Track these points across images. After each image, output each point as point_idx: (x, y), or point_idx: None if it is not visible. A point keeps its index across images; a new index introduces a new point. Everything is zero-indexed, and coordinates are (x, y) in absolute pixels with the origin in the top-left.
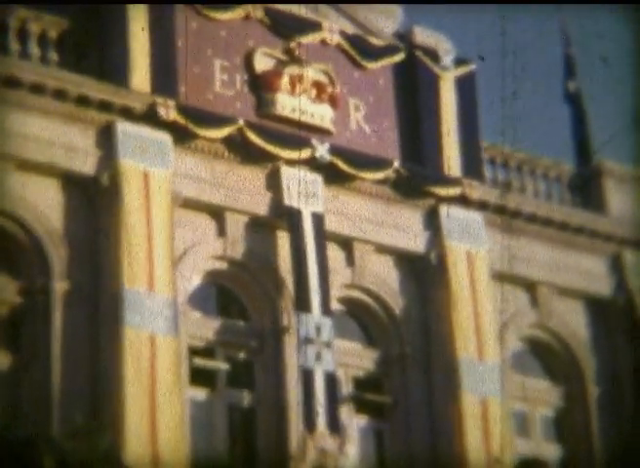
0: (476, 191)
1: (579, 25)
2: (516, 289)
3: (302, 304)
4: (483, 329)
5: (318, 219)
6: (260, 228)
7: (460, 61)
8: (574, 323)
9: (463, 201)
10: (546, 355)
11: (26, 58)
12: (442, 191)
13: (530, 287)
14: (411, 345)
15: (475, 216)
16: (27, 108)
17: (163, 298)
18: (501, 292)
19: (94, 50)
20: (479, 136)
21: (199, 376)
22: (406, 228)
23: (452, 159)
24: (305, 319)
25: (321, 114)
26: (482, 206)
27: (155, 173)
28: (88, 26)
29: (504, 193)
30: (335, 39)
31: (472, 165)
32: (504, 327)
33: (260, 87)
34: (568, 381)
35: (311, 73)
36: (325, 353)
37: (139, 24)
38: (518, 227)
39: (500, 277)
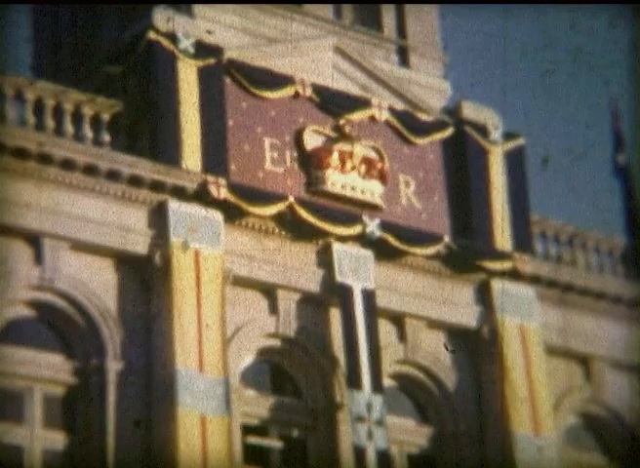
0: (528, 265)
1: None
2: (570, 363)
3: (354, 382)
4: (537, 404)
5: (369, 296)
6: (312, 305)
7: (508, 135)
8: (629, 397)
9: (515, 275)
10: (602, 430)
11: (80, 140)
12: (493, 265)
13: (584, 361)
14: (465, 421)
15: (527, 291)
16: (81, 189)
17: (214, 378)
18: (555, 367)
19: (146, 130)
20: (529, 210)
21: (253, 455)
22: (457, 303)
23: (502, 233)
24: (356, 396)
25: (371, 190)
26: (534, 280)
27: (206, 251)
28: (140, 108)
29: (556, 267)
30: (384, 115)
31: (523, 239)
32: (559, 401)
33: (311, 164)
34: (624, 457)
35: (361, 150)
36: (376, 431)
37: (190, 105)
38: (571, 301)
39: (554, 351)
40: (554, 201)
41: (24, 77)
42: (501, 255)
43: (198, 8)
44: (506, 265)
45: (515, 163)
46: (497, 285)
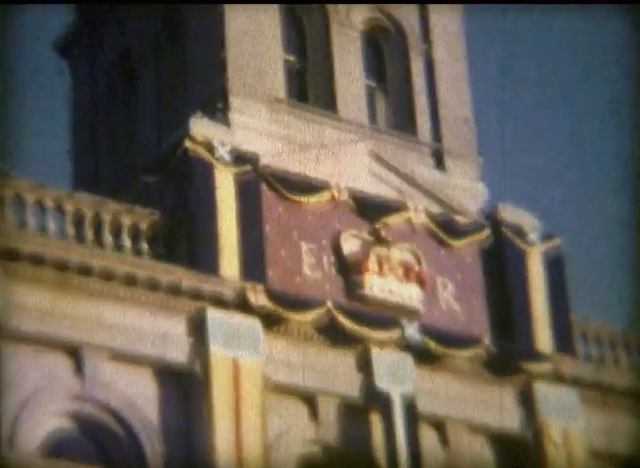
0: (569, 367)
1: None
2: (615, 466)
3: None
4: None
5: (409, 401)
6: (353, 411)
7: (546, 237)
8: None
9: (557, 377)
10: None
11: (119, 250)
12: (534, 368)
13: (629, 464)
14: None
15: (570, 393)
16: (120, 299)
17: None
18: None
19: (184, 239)
20: (570, 311)
21: None
22: (499, 406)
23: (543, 334)
24: None
25: (409, 294)
26: (576, 381)
27: (246, 359)
28: (177, 217)
29: (598, 368)
30: (420, 219)
31: (564, 340)
32: None
33: (348, 269)
34: None
35: (398, 253)
36: None
37: (227, 212)
38: (614, 403)
39: (598, 454)
40: (594, 301)
41: (64, 189)
42: (543, 357)
43: (234, 116)
44: (548, 367)
45: (554, 264)
46: (538, 387)
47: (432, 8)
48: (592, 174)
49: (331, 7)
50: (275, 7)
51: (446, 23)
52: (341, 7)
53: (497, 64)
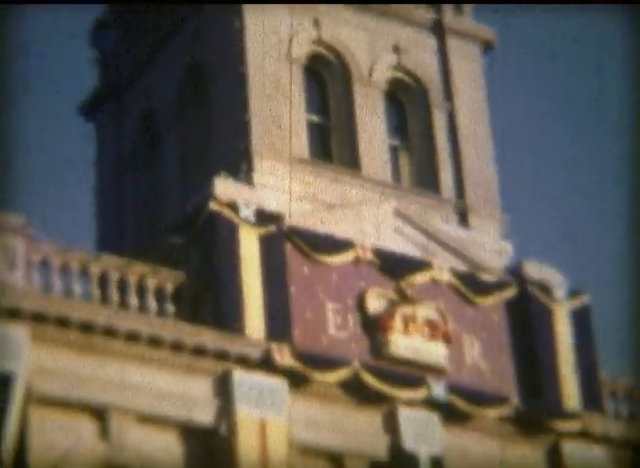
0: (598, 425)
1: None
2: None
3: None
4: None
5: (436, 460)
6: None
7: (573, 293)
8: None
9: (585, 436)
10: None
11: (145, 311)
12: (563, 426)
13: None
14: None
15: (599, 452)
16: (146, 361)
17: None
18: None
19: (209, 300)
20: (598, 367)
21: None
22: (528, 466)
23: (571, 392)
24: None
25: (435, 352)
26: (605, 440)
27: (272, 419)
28: (203, 278)
29: (628, 426)
30: (445, 277)
31: (593, 398)
32: None
33: (374, 328)
34: None
35: (423, 312)
36: None
37: (252, 273)
38: None
39: None
40: (623, 357)
41: (89, 252)
42: (571, 415)
43: (258, 176)
44: (576, 425)
45: (582, 320)
46: (567, 446)
47: (453, 62)
48: (618, 226)
49: (353, 66)
50: (297, 67)
51: (468, 80)
52: (364, 66)
53: (519, 118)
